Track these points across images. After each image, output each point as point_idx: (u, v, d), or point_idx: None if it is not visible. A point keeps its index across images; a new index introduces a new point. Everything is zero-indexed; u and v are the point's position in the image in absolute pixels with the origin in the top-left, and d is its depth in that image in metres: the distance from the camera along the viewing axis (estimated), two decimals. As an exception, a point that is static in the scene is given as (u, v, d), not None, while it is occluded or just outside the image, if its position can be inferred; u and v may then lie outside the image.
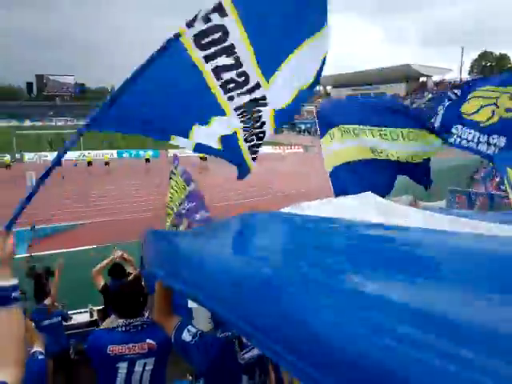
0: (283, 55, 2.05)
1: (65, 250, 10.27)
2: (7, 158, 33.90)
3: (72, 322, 6.17)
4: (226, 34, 1.80)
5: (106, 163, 32.71)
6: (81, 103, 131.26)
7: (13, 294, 1.37)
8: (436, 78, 78.15)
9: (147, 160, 35.03)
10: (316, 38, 2.09)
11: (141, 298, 2.59)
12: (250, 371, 1.93)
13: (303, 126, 78.52)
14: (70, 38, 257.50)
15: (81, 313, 6.47)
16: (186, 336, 1.98)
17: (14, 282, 1.40)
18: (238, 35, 1.83)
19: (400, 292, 0.75)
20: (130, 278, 2.84)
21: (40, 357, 2.67)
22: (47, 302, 5.21)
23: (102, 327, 2.97)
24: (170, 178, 4.39)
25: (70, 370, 5.31)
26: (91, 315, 6.41)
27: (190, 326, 2.03)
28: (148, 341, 2.55)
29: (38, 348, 2.72)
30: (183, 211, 4.04)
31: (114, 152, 40.72)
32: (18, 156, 36.65)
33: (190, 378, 4.76)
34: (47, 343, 3.01)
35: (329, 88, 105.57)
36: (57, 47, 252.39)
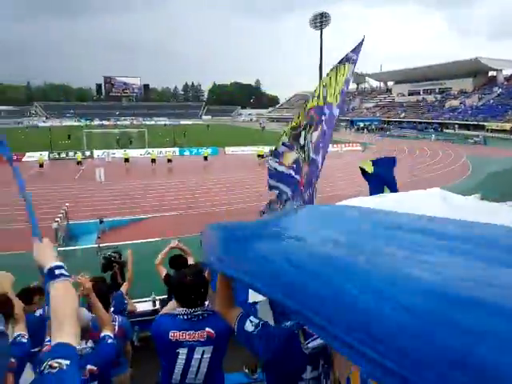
0: None
1: (130, 242, 10.76)
2: (79, 154, 36.27)
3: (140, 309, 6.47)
4: None
5: (169, 160, 33.90)
6: (145, 103, 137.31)
7: (56, 271, 1.49)
8: (507, 71, 72.85)
9: (205, 158, 35.90)
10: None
11: (202, 289, 2.65)
12: (313, 361, 1.92)
13: (362, 124, 76.57)
14: (138, 40, 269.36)
15: (145, 301, 6.77)
16: (249, 326, 2.00)
17: (57, 262, 1.55)
18: None
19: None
20: (192, 269, 2.90)
21: (109, 341, 2.83)
22: (123, 290, 5.44)
23: (163, 312, 3.07)
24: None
25: (132, 357, 5.55)
26: (154, 304, 6.70)
27: (252, 317, 2.05)
28: (207, 329, 2.62)
29: (107, 332, 2.89)
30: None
31: (177, 150, 42.11)
32: (87, 153, 39.04)
33: (246, 370, 4.84)
34: None
35: (390, 84, 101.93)
36: (125, 49, 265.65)
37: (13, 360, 2.43)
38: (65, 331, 1.31)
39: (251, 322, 2.02)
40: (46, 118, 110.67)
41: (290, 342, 1.92)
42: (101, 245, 12.19)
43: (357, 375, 1.44)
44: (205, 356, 2.62)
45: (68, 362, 1.17)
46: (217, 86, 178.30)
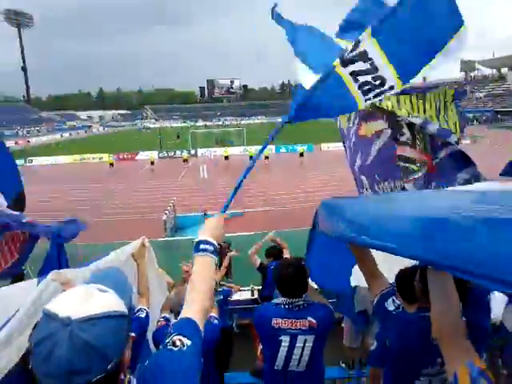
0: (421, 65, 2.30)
1: (229, 235, 11.25)
2: (185, 153, 38.84)
3: (235, 297, 6.78)
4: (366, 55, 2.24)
5: (266, 157, 34.63)
6: (244, 103, 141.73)
7: (201, 246, 1.52)
8: None
9: (301, 154, 35.94)
10: (452, 42, 2.24)
11: (302, 281, 2.71)
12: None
13: (471, 115, 70.00)
14: (237, 42, 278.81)
15: (244, 291, 7.06)
16: (390, 305, 1.99)
17: (210, 239, 1.56)
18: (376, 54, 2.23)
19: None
20: (293, 261, 2.97)
21: (215, 321, 3.02)
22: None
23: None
24: None
25: (231, 343, 5.84)
26: (252, 293, 6.97)
27: (394, 297, 2.02)
28: (309, 318, 2.66)
29: (213, 314, 3.08)
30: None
31: (273, 147, 42.82)
32: (192, 152, 41.62)
33: (343, 365, 4.80)
34: None
35: (504, 70, 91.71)
36: (226, 52, 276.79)
37: (133, 334, 2.66)
38: (194, 306, 1.34)
39: (394, 301, 2.00)
40: (156, 120, 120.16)
41: (423, 331, 1.84)
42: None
43: (465, 372, 1.38)
44: (307, 345, 2.66)
45: (190, 342, 1.19)
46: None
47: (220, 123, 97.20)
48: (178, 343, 1.17)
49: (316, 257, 2.89)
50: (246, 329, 5.56)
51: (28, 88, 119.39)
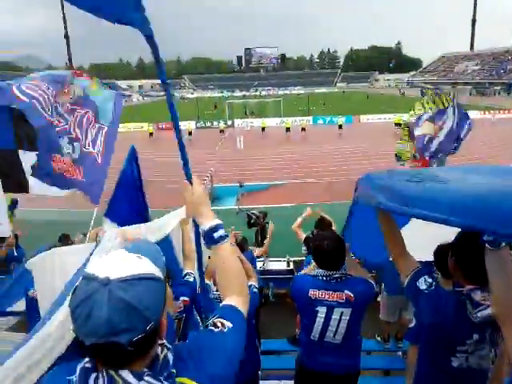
0: None
1: (265, 206, 11.34)
2: (222, 124, 38.88)
3: (272, 268, 6.90)
4: None
5: (303, 129, 34.18)
6: (281, 73, 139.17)
7: (214, 235, 1.41)
8: None
9: (340, 126, 35.17)
10: None
11: (340, 254, 2.72)
12: (480, 330, 1.87)
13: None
14: (277, 10, 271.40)
15: (280, 261, 7.17)
16: (422, 283, 1.99)
17: (216, 222, 1.45)
18: None
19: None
20: (331, 234, 2.98)
21: (254, 290, 3.07)
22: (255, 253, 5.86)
23: (302, 272, 3.24)
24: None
25: (266, 311, 5.97)
26: (288, 264, 7.07)
27: (427, 276, 2.02)
28: (346, 292, 2.68)
29: (253, 282, 3.14)
30: None
31: (310, 118, 42.14)
32: (229, 122, 41.60)
33: (379, 338, 4.84)
34: None
35: None
36: (263, 21, 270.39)
37: (186, 298, 2.77)
38: (235, 294, 1.34)
39: (425, 280, 2.00)
40: (193, 90, 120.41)
41: (458, 308, 1.88)
42: (240, 207, 13.13)
43: None
44: (343, 317, 2.70)
45: (231, 325, 1.19)
46: (353, 51, 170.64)
47: (257, 93, 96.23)
48: (218, 325, 1.19)
49: (356, 231, 2.89)
50: (281, 298, 5.67)
51: (70, 56, 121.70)
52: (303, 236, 5.42)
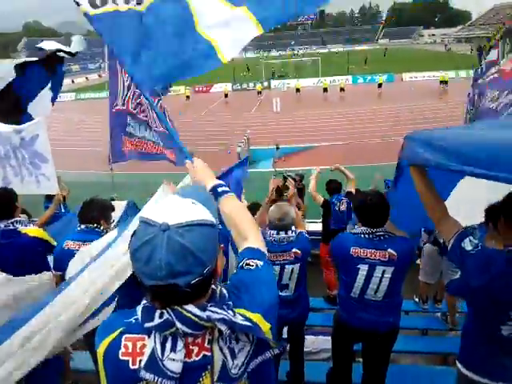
0: None
1: (300, 168, 11.26)
2: (259, 85, 38.31)
3: (308, 229, 6.91)
4: None
5: (342, 89, 33.16)
6: (319, 30, 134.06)
7: (219, 189, 1.58)
8: None
9: (379, 85, 33.79)
10: None
11: (384, 211, 2.66)
12: None
13: None
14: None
15: (315, 223, 7.18)
16: (467, 244, 1.93)
17: (218, 182, 1.64)
18: None
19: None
20: (375, 191, 2.93)
21: (305, 235, 3.28)
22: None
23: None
24: None
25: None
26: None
27: (471, 237, 1.96)
28: (389, 250, 2.64)
29: (302, 230, 3.33)
30: None
31: (350, 78, 40.71)
32: (266, 84, 40.91)
33: (417, 299, 4.81)
34: None
35: None
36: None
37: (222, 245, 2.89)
38: (251, 237, 1.41)
39: (471, 241, 1.93)
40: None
41: (510, 267, 1.81)
42: (276, 169, 13.11)
43: None
44: (385, 276, 2.67)
45: (262, 262, 1.27)
46: (397, 4, 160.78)
47: (295, 52, 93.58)
48: (251, 263, 1.26)
49: (399, 200, 2.80)
50: (317, 258, 5.71)
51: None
52: (322, 199, 5.45)
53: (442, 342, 4.15)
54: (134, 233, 1.03)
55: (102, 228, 3.15)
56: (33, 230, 2.99)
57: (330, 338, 3.22)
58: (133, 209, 3.98)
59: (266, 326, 1.08)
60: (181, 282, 0.97)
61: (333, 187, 5.68)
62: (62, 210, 4.56)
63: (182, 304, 1.01)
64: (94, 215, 3.14)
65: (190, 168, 1.77)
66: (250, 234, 1.42)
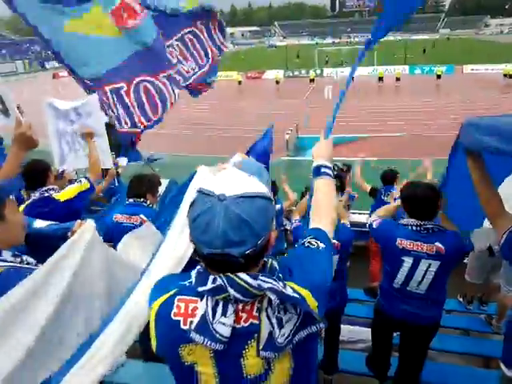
0: None
1: (348, 158, 11.07)
2: (312, 72, 37.72)
3: (351, 219, 6.82)
4: None
5: (397, 79, 32.00)
6: (376, 18, 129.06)
7: (322, 169, 1.63)
8: None
9: (438, 76, 32.21)
10: None
11: (433, 203, 2.59)
12: None
13: None
14: None
15: (360, 214, 7.06)
16: None
17: (326, 163, 1.67)
18: None
19: None
20: (425, 183, 2.85)
21: (348, 226, 3.32)
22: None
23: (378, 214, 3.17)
24: None
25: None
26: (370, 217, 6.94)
27: None
28: (437, 244, 2.57)
29: (345, 221, 3.33)
30: None
31: (407, 68, 39.14)
32: (318, 71, 40.23)
33: (461, 299, 4.66)
34: None
35: None
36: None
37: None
38: (323, 220, 1.43)
39: None
40: (284, 37, 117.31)
41: None
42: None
43: None
44: (430, 269, 2.62)
45: (324, 245, 1.28)
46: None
47: (351, 40, 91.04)
48: (313, 243, 1.28)
49: (453, 192, 2.71)
50: (361, 250, 5.64)
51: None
52: (368, 188, 5.33)
53: (485, 344, 4.02)
54: (193, 203, 1.08)
55: (148, 202, 3.28)
56: (63, 194, 3.03)
57: (366, 328, 3.22)
58: (173, 186, 4.09)
59: (313, 303, 1.10)
60: (235, 252, 1.01)
61: (386, 177, 5.53)
62: (116, 184, 4.78)
63: (235, 272, 1.05)
64: (142, 190, 3.27)
65: (322, 139, 1.86)
66: (325, 219, 1.45)
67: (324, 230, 1.38)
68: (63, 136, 4.17)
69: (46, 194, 3.00)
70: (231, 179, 1.09)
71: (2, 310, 1.32)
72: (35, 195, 3.01)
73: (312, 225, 1.43)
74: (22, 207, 2.97)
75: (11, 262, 1.52)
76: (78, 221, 1.89)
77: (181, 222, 1.70)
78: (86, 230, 1.58)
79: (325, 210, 1.49)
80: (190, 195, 1.76)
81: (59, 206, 2.89)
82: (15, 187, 1.97)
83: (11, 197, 1.64)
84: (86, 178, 3.21)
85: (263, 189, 1.09)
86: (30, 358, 1.36)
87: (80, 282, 1.52)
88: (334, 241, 3.07)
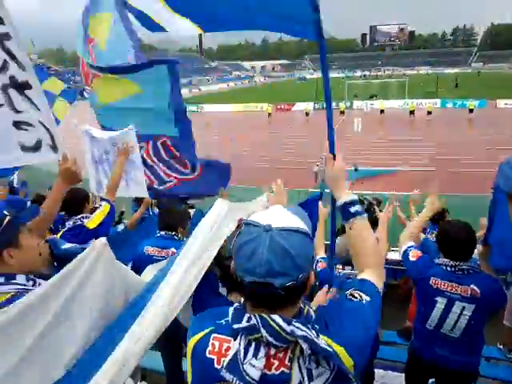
0: None
1: (379, 192, 10.92)
2: (342, 104, 37.97)
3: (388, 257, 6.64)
4: None
5: (429, 112, 31.75)
6: (408, 51, 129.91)
7: (352, 209, 1.47)
8: None
9: (470, 110, 31.75)
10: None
11: (470, 244, 2.52)
12: None
13: None
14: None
15: (393, 251, 6.88)
16: None
17: (353, 197, 1.50)
18: None
19: None
20: (462, 222, 2.78)
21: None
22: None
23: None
24: None
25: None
26: (402, 255, 6.74)
27: None
28: (472, 286, 2.48)
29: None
30: None
31: (438, 101, 38.85)
32: (348, 104, 40.44)
33: (501, 346, 4.42)
34: None
35: None
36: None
37: None
38: (369, 270, 1.37)
39: None
40: (314, 70, 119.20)
41: None
42: (353, 191, 12.84)
43: None
44: (464, 313, 2.52)
45: (369, 298, 1.21)
46: (494, 26, 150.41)
47: (380, 73, 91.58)
48: (356, 296, 1.23)
49: (497, 231, 2.62)
50: (394, 289, 5.47)
51: (201, 38, 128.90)
52: (406, 222, 5.20)
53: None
54: (239, 233, 1.12)
55: (179, 236, 3.29)
56: (91, 222, 3.06)
57: (400, 373, 3.09)
58: (198, 216, 4.10)
59: (348, 361, 1.05)
60: (277, 283, 1.03)
61: (436, 215, 5.36)
62: (150, 213, 4.86)
63: (274, 308, 1.07)
64: (173, 223, 3.28)
65: (329, 164, 1.65)
66: (368, 266, 1.39)
67: (369, 279, 1.33)
68: (100, 163, 4.32)
69: (79, 222, 3.07)
70: (277, 213, 1.13)
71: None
72: (69, 223, 3.10)
73: (359, 275, 1.39)
74: (58, 235, 3.07)
75: (24, 285, 1.55)
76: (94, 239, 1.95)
77: (193, 252, 1.69)
78: (95, 247, 1.60)
79: (367, 260, 1.42)
80: (204, 226, 1.77)
81: (88, 233, 2.97)
82: (30, 215, 2.05)
83: (27, 224, 1.70)
84: (104, 199, 3.23)
85: (306, 227, 1.11)
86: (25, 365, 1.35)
87: (82, 294, 1.52)
88: None
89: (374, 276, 1.35)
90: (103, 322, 1.58)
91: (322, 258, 3.19)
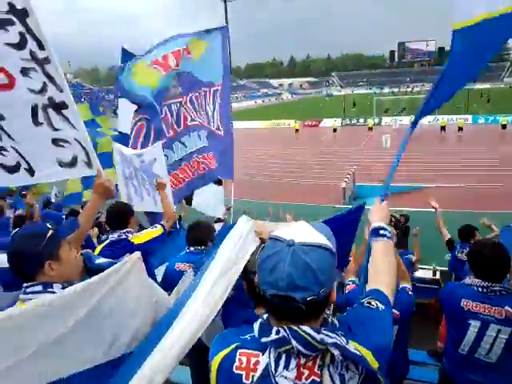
0: None
1: (408, 209, 10.71)
2: (370, 121, 37.80)
3: (415, 275, 6.49)
4: None
5: (460, 129, 31.04)
6: (438, 68, 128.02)
7: (381, 231, 1.62)
8: None
9: (503, 126, 30.82)
10: None
11: (503, 264, 2.44)
12: None
13: None
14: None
15: (424, 269, 6.72)
16: None
17: (385, 225, 1.66)
18: None
19: None
20: (494, 242, 2.70)
21: (410, 292, 2.98)
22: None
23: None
24: None
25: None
26: (434, 273, 6.59)
27: None
28: (507, 308, 2.40)
29: (406, 285, 3.04)
30: None
31: (469, 117, 37.97)
32: (376, 120, 40.13)
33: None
34: None
35: None
36: (421, 12, 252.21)
37: None
38: (380, 282, 1.42)
39: None
40: (341, 87, 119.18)
41: None
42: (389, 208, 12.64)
43: None
44: (500, 336, 2.43)
45: (384, 307, 1.26)
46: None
47: (409, 90, 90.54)
48: (373, 304, 1.26)
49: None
50: (424, 309, 5.32)
51: (230, 57, 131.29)
52: (448, 237, 5.09)
53: None
54: (263, 247, 1.16)
55: None
56: (138, 238, 3.15)
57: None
58: (224, 230, 4.06)
59: (375, 364, 1.08)
60: (298, 297, 1.04)
61: (462, 233, 5.23)
62: (177, 227, 4.95)
63: (295, 321, 1.07)
64: (203, 238, 3.28)
65: (377, 203, 1.89)
66: (384, 284, 1.42)
67: (380, 290, 1.36)
68: (130, 179, 4.48)
69: (123, 236, 3.14)
70: (301, 229, 1.14)
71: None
72: (113, 236, 3.17)
73: (370, 286, 1.42)
74: (100, 247, 3.17)
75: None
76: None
77: (219, 268, 1.71)
78: (131, 259, 1.65)
79: (384, 275, 1.47)
80: (230, 241, 1.80)
81: (132, 248, 2.99)
82: (70, 229, 2.18)
83: (67, 237, 1.80)
84: (160, 224, 3.34)
85: (330, 244, 1.12)
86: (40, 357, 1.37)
87: (110, 304, 1.54)
88: (394, 311, 2.89)
89: (388, 291, 1.37)
90: (129, 334, 1.60)
91: (351, 281, 3.16)
